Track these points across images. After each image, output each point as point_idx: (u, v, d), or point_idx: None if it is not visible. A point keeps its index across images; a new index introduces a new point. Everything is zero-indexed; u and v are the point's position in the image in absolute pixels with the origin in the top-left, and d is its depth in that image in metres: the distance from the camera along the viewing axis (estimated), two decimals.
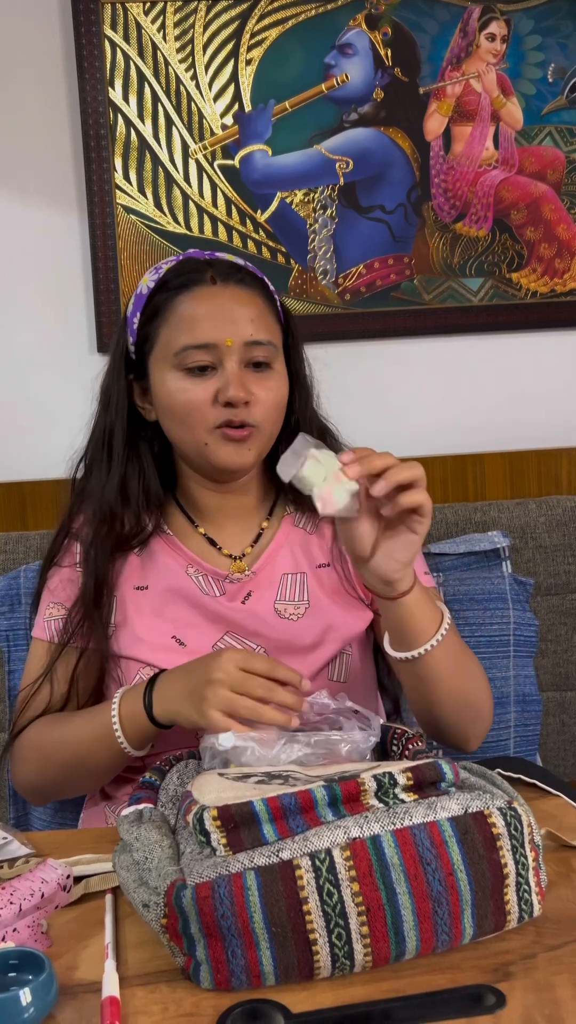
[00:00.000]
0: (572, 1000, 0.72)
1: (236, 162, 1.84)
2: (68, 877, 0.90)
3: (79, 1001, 0.75)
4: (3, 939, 0.80)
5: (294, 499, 1.30)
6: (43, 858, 0.94)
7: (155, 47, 1.80)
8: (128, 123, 1.82)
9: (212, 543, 1.27)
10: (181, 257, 1.25)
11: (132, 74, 1.80)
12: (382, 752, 0.99)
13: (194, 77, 1.81)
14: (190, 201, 1.84)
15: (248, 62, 1.81)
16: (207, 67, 1.81)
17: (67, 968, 0.79)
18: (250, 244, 1.86)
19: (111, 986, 0.74)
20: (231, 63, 1.81)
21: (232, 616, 1.21)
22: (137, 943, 0.82)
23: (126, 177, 1.83)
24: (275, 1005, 0.71)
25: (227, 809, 0.76)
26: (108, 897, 0.88)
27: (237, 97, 1.82)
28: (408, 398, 1.93)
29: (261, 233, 1.86)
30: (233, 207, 1.85)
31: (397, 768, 0.79)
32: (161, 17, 1.79)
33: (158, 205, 1.84)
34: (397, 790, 0.78)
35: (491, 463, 1.91)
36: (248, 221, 1.85)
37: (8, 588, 1.52)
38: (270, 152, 1.84)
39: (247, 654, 1.05)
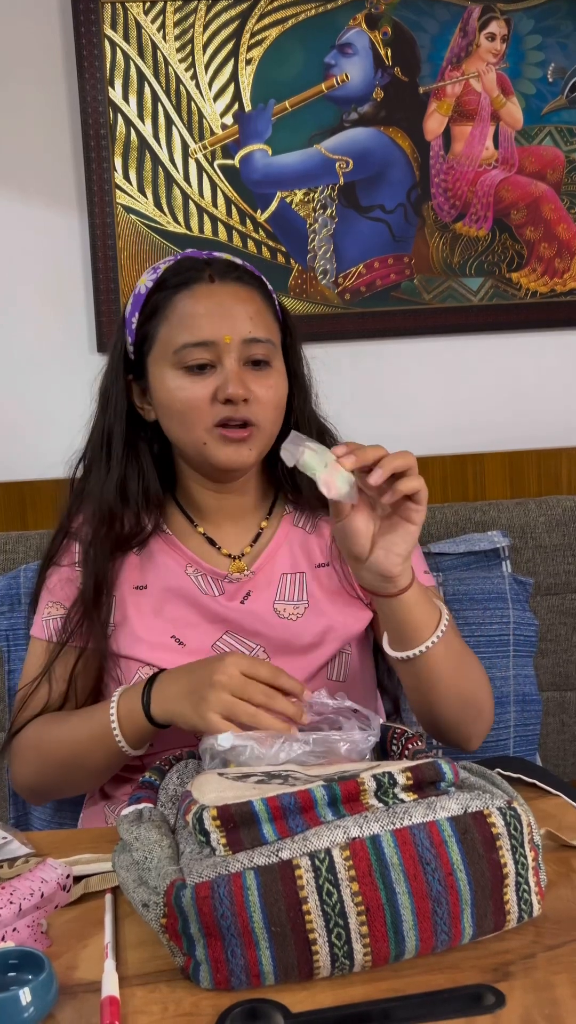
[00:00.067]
0: (571, 1000, 0.72)
1: (236, 162, 1.84)
2: (68, 877, 0.90)
3: (79, 1001, 0.75)
4: (3, 939, 0.80)
5: (293, 499, 1.30)
6: (43, 858, 0.94)
7: (155, 47, 1.80)
8: (128, 123, 1.82)
9: (211, 543, 1.27)
10: (179, 256, 1.25)
11: (132, 74, 1.80)
12: (382, 752, 0.99)
13: (194, 77, 1.81)
14: (190, 201, 1.84)
15: (248, 62, 1.81)
16: (207, 67, 1.81)
17: (67, 968, 0.79)
18: (250, 244, 1.86)
19: (111, 986, 0.74)
20: (231, 63, 1.81)
21: (231, 616, 1.21)
22: (137, 943, 0.82)
23: (126, 177, 1.83)
24: (275, 1005, 0.71)
25: (227, 809, 0.76)
26: (108, 897, 0.88)
27: (237, 97, 1.82)
28: (408, 398, 1.93)
29: (261, 233, 1.86)
30: (233, 207, 1.85)
31: (397, 768, 0.79)
32: (161, 17, 1.79)
33: (158, 205, 1.84)
34: (397, 790, 0.78)
35: (491, 463, 1.91)
36: (248, 221, 1.85)
37: (8, 588, 1.52)
38: (270, 152, 1.84)
39: (252, 660, 1.04)
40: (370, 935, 0.73)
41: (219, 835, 0.75)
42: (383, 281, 1.89)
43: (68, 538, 1.28)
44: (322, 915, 0.72)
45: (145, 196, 1.83)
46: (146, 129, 1.82)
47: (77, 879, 0.91)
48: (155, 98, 1.81)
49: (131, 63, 1.80)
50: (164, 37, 1.80)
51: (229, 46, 1.81)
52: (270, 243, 1.86)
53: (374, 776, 0.78)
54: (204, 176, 1.84)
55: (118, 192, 1.83)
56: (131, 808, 0.88)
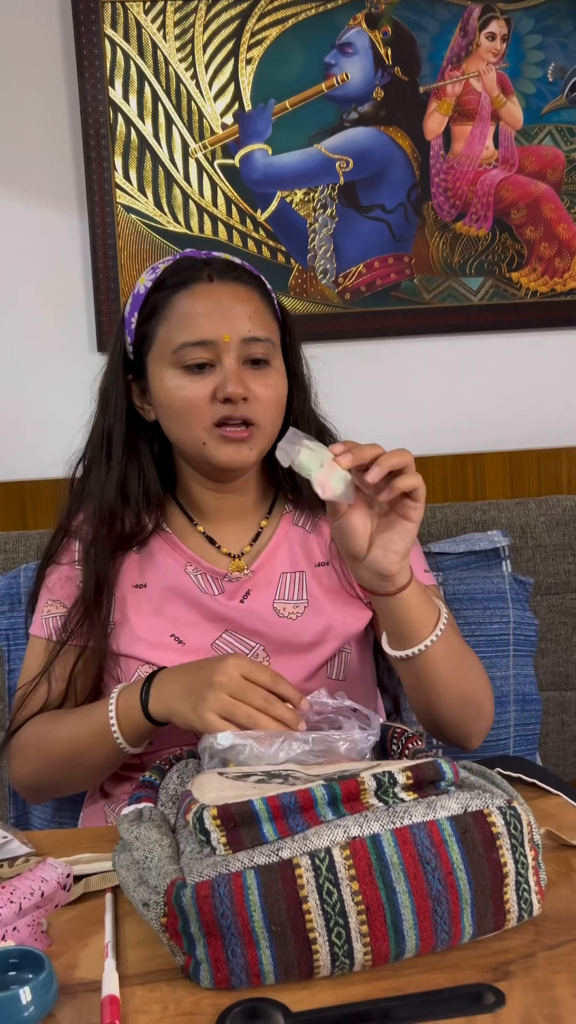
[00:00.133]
0: (571, 999, 0.72)
1: (236, 161, 1.84)
2: (68, 876, 0.90)
3: (79, 1000, 0.75)
4: (3, 938, 0.80)
5: (293, 498, 1.30)
6: (43, 857, 0.94)
7: (155, 46, 1.80)
8: (128, 122, 1.82)
9: (211, 542, 1.27)
10: (178, 256, 1.25)
11: (132, 73, 1.80)
12: (382, 751, 0.99)
13: (194, 76, 1.81)
14: (190, 200, 1.84)
15: (248, 61, 1.81)
16: (207, 66, 1.81)
17: (67, 967, 0.79)
18: (250, 243, 1.86)
19: (111, 985, 0.74)
20: (231, 62, 1.81)
21: (231, 615, 1.21)
22: (137, 942, 0.82)
23: (126, 176, 1.83)
24: (275, 1004, 0.71)
25: (227, 808, 0.76)
26: (108, 896, 0.89)
27: (237, 96, 1.82)
28: (408, 398, 1.93)
29: (261, 232, 1.86)
30: (233, 206, 1.85)
31: (397, 767, 0.79)
32: (161, 16, 1.79)
33: (158, 204, 1.84)
34: (397, 789, 0.78)
35: (491, 462, 1.91)
36: (248, 220, 1.85)
37: (8, 588, 1.52)
38: (270, 151, 1.84)
39: (252, 664, 1.04)
40: (370, 934, 0.73)
41: (219, 834, 0.75)
42: (383, 281, 1.89)
43: (68, 537, 1.28)
44: (322, 914, 0.72)
45: (145, 196, 1.84)
46: (146, 129, 1.82)
47: (77, 878, 0.91)
48: (155, 98, 1.82)
49: (131, 63, 1.80)
50: (164, 37, 1.80)
51: (229, 46, 1.81)
52: (270, 243, 1.86)
53: (374, 775, 0.78)
54: (204, 176, 1.84)
55: (118, 192, 1.83)
56: (131, 807, 0.88)
